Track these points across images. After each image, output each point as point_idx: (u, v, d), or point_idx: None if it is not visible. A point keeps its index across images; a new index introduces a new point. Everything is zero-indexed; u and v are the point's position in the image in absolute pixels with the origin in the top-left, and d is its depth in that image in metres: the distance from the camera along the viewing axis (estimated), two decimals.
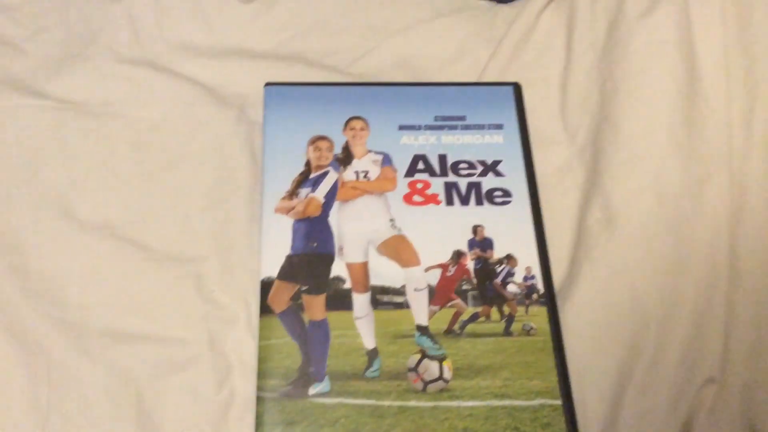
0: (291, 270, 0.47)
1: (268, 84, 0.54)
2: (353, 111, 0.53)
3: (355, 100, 0.54)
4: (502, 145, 0.53)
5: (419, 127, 0.53)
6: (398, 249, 0.49)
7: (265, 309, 0.46)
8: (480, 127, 0.53)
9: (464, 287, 0.48)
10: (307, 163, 0.51)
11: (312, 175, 0.51)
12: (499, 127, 0.53)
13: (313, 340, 0.46)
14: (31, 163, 0.53)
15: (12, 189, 0.52)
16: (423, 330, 0.47)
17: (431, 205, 0.50)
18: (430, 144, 0.53)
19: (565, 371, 0.45)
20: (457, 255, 0.49)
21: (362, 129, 0.53)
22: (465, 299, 0.48)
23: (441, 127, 0.53)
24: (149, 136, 0.55)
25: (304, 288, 0.47)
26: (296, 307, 0.46)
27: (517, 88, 0.55)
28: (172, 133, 0.55)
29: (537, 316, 0.47)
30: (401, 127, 0.53)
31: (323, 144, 0.52)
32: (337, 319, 0.46)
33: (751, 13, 0.52)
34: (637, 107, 0.53)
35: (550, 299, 0.47)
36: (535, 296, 0.48)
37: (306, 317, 0.46)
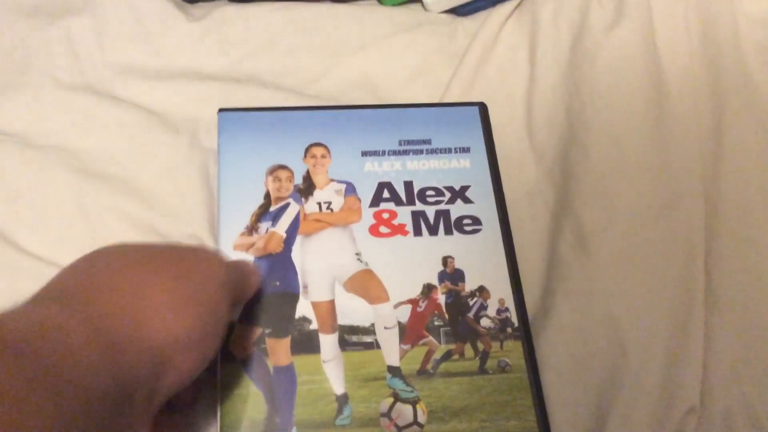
0: (253, 312, 0.44)
1: (222, 110, 0.51)
2: (313, 137, 0.51)
3: (315, 125, 0.51)
4: (469, 169, 0.51)
5: (383, 153, 0.51)
6: (366, 285, 0.46)
7: (226, 355, 0.43)
8: (446, 150, 0.51)
9: (436, 323, 0.46)
10: (267, 195, 0.48)
11: (272, 208, 0.48)
12: (466, 150, 0.51)
13: (278, 387, 0.43)
14: None
15: None
16: (395, 371, 0.44)
17: (398, 237, 0.48)
18: (395, 170, 0.50)
19: (543, 409, 0.43)
20: (428, 289, 0.47)
21: (323, 156, 0.50)
22: (437, 336, 0.46)
23: (406, 152, 0.51)
24: (94, 166, 0.50)
25: (267, 331, 0.44)
26: (260, 352, 0.44)
27: (483, 109, 0.53)
28: (118, 163, 0.51)
29: (512, 352, 0.45)
30: (364, 153, 0.51)
31: (283, 174, 0.49)
32: (303, 364, 0.44)
33: (715, 25, 0.52)
34: (605, 126, 0.51)
35: (524, 333, 0.46)
36: (509, 330, 0.46)
37: (270, 363, 0.43)
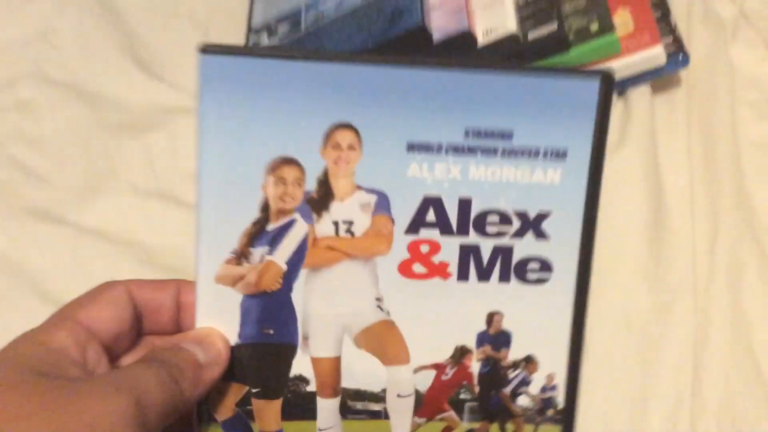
0: (238, 365, 0.36)
1: (206, 50, 0.33)
2: (340, 113, 0.34)
3: (342, 93, 0.33)
4: (557, 187, 0.35)
5: (439, 149, 0.34)
6: (383, 340, 0.36)
7: (204, 415, 0.36)
8: (532, 153, 0.35)
9: (462, 396, 0.38)
10: (265, 205, 0.34)
11: (270, 226, 0.35)
12: (562, 155, 0.35)
13: None
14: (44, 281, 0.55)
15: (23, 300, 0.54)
16: None
17: (437, 280, 0.36)
18: (450, 179, 0.35)
19: None
20: (460, 353, 0.37)
21: (351, 148, 0.34)
22: (460, 412, 0.38)
23: (472, 150, 0.35)
24: (159, 259, 0.56)
25: (254, 390, 0.36)
26: (244, 414, 0.36)
27: (606, 82, 0.34)
28: (182, 258, 0.55)
29: None
30: (411, 147, 0.34)
31: (290, 173, 0.34)
32: (295, 430, 0.37)
33: (716, 148, 0.55)
34: (607, 236, 0.50)
35: (568, 418, 0.38)
36: (550, 412, 0.38)
37: (257, 428, 0.37)
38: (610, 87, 0.34)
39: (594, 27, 0.56)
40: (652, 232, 0.53)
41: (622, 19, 0.57)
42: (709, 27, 0.58)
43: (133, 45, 0.64)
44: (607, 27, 0.55)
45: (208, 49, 0.32)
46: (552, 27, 0.56)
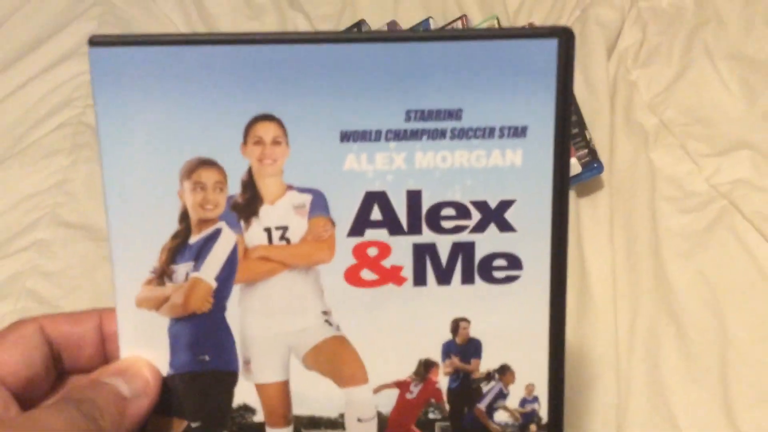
0: (173, 398, 0.31)
1: (94, 42, 0.29)
2: (260, 103, 0.29)
3: (260, 80, 0.29)
4: (519, 170, 0.30)
5: (378, 135, 0.30)
6: (335, 359, 0.32)
7: None
8: (486, 132, 0.30)
9: (431, 415, 0.33)
10: (184, 214, 0.30)
11: (193, 239, 0.30)
12: (521, 132, 0.30)
13: None
14: None
15: None
16: None
17: (390, 286, 0.31)
18: (394, 169, 0.30)
19: None
20: (425, 368, 0.32)
21: (276, 142, 0.30)
22: None
23: (416, 134, 0.30)
24: None
25: (194, 425, 0.32)
26: None
27: (565, 44, 0.29)
28: None
29: None
30: (346, 136, 0.30)
31: (208, 176, 0.30)
32: None
33: (636, 239, 0.58)
34: None
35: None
36: (533, 428, 0.33)
37: None
38: (571, 47, 0.29)
39: None
40: (577, 317, 0.54)
41: None
42: (632, 136, 0.64)
43: None
44: None
45: (97, 41, 0.28)
46: None
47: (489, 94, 0.30)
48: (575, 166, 0.59)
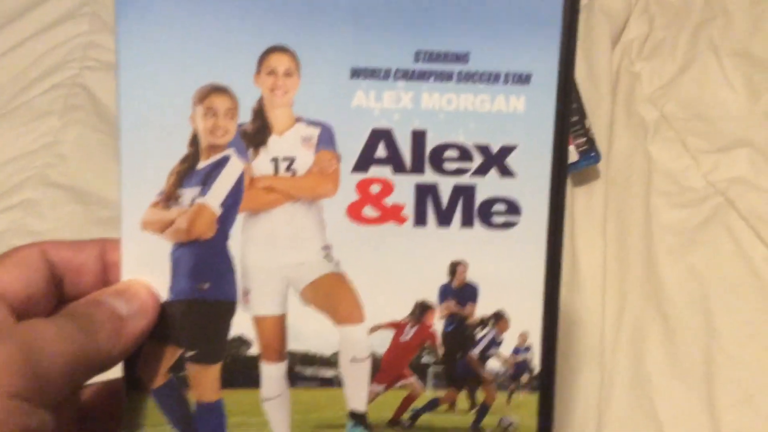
0: (170, 325, 0.32)
1: None
2: (274, 34, 0.30)
3: (277, 13, 0.30)
4: (522, 116, 0.31)
5: (387, 74, 0.31)
6: (333, 296, 0.32)
7: (132, 382, 0.32)
8: (492, 77, 0.31)
9: (424, 359, 0.33)
10: (194, 140, 0.31)
11: (201, 164, 0.31)
12: (525, 79, 0.31)
13: (199, 427, 0.33)
14: None
15: None
16: (359, 419, 0.33)
17: (391, 225, 0.32)
18: (401, 108, 0.31)
19: None
20: (421, 310, 0.33)
21: (288, 74, 0.31)
22: (423, 377, 0.33)
23: (424, 75, 0.31)
24: None
25: (189, 354, 0.32)
26: (178, 381, 0.32)
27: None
28: None
29: (523, 408, 0.33)
30: (356, 73, 0.31)
31: (221, 102, 0.31)
32: (236, 401, 0.33)
33: (629, 232, 0.58)
34: None
35: (546, 384, 0.33)
36: (525, 378, 0.33)
37: (192, 397, 0.32)
38: (574, 3, 0.31)
39: None
40: (565, 306, 0.53)
41: None
42: (631, 128, 0.63)
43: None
44: None
45: None
46: None
47: (495, 40, 0.31)
48: (572, 154, 0.59)
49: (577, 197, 0.60)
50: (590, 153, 0.59)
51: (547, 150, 0.31)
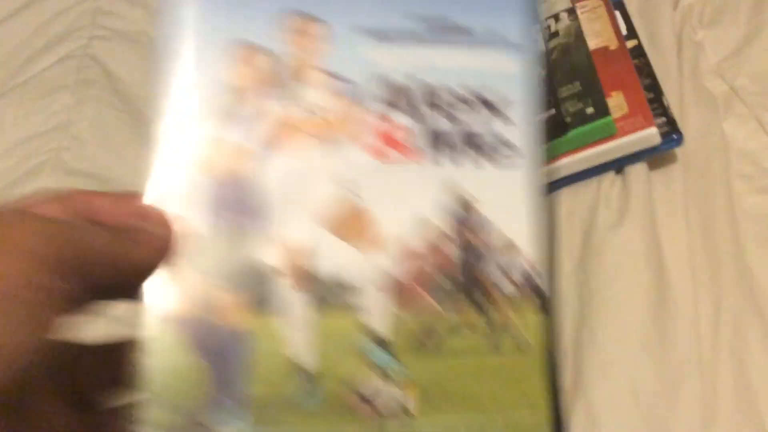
0: (200, 254, 0.33)
1: None
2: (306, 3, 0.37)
3: None
4: (517, 77, 0.37)
5: (403, 36, 0.37)
6: (356, 226, 0.35)
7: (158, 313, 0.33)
8: (493, 44, 0.37)
9: (441, 283, 0.35)
10: (233, 88, 0.36)
11: (242, 110, 0.35)
12: (519, 48, 0.37)
13: (226, 356, 0.33)
14: None
15: None
16: (382, 343, 0.34)
17: (411, 164, 0.36)
18: (415, 67, 0.37)
19: (555, 396, 0.34)
20: (438, 239, 0.35)
21: (315, 35, 0.36)
22: (442, 301, 0.35)
23: (435, 41, 0.37)
24: None
25: (218, 283, 0.33)
26: (206, 310, 0.33)
27: None
28: None
29: (532, 328, 0.35)
30: (375, 34, 0.37)
31: (257, 58, 0.36)
32: (262, 326, 0.33)
33: (714, 221, 0.55)
34: (611, 314, 0.53)
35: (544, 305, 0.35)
36: (533, 299, 0.35)
37: (217, 322, 0.33)
38: None
39: (589, 110, 0.59)
40: (656, 309, 0.52)
41: (616, 102, 0.58)
42: (701, 104, 0.59)
43: (148, 132, 0.59)
44: (602, 110, 0.58)
45: None
46: (550, 111, 0.60)
47: (496, 17, 0.37)
48: (653, 137, 0.55)
49: (655, 185, 0.56)
50: (671, 135, 0.55)
51: (533, 108, 0.37)
